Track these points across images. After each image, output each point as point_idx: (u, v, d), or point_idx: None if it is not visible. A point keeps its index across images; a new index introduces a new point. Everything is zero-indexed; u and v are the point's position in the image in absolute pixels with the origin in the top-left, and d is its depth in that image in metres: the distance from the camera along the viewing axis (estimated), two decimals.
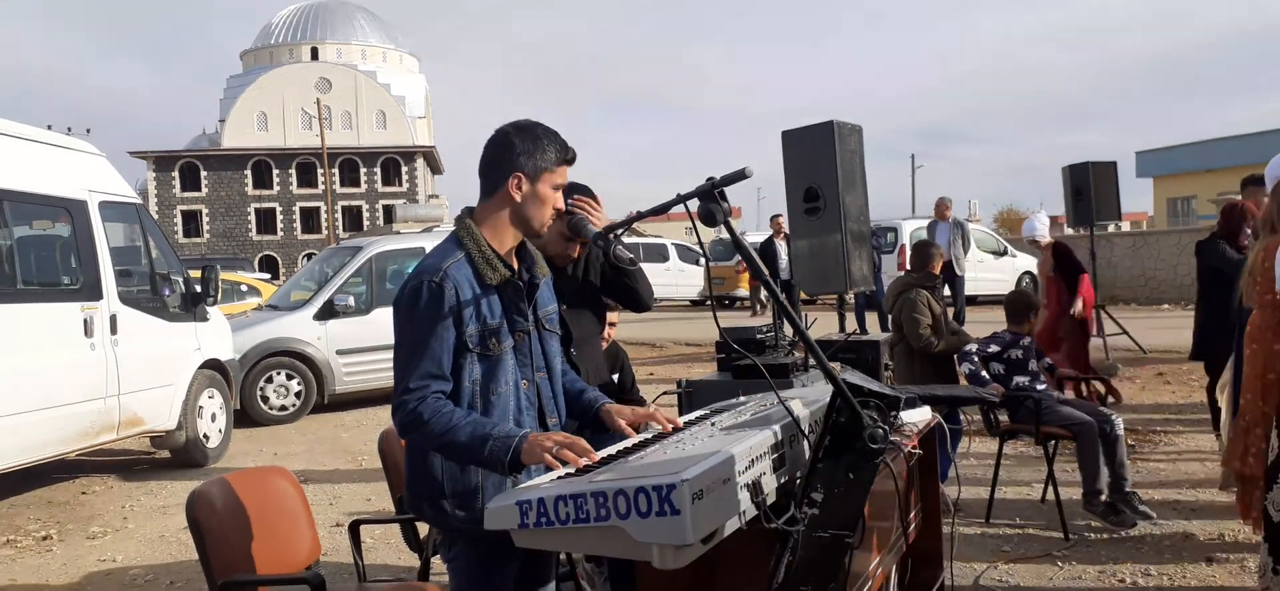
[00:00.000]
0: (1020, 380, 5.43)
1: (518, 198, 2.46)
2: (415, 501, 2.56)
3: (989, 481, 5.59)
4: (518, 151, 2.45)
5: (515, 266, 2.52)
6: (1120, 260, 20.59)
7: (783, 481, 2.19)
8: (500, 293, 2.47)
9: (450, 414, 2.34)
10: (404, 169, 63.17)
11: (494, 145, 2.49)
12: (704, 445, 2.11)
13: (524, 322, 2.50)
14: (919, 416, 3.29)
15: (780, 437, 2.21)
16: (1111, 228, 22.21)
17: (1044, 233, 7.94)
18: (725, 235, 2.24)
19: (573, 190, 3.20)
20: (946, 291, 8.70)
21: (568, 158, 2.51)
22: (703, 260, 4.91)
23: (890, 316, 6.19)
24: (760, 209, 71.13)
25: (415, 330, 2.38)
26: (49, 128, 7.60)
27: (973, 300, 14.96)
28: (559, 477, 2.11)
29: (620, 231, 2.65)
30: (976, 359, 5.45)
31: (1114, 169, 11.49)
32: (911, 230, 17.78)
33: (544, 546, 2.02)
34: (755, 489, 2.04)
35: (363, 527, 3.65)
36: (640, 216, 2.63)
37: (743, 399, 2.78)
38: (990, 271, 19.49)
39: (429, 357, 2.35)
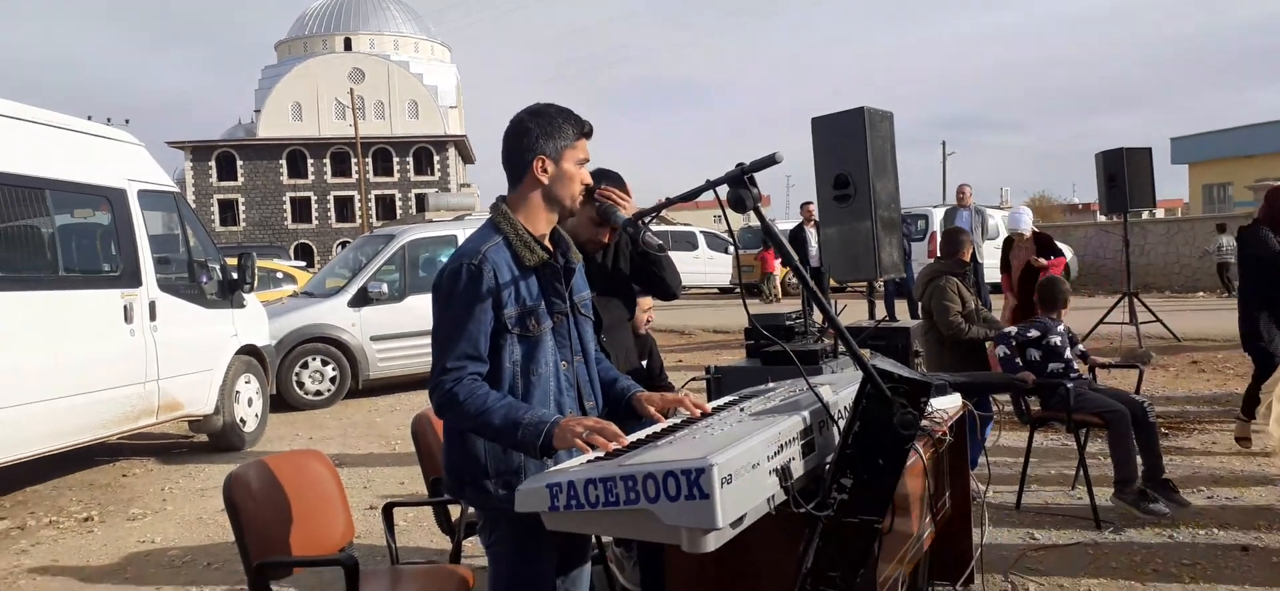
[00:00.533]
0: (1054, 367, 5.39)
1: (545, 179, 2.50)
2: (456, 483, 2.57)
3: (1019, 469, 5.56)
4: (536, 135, 2.49)
5: (551, 249, 2.55)
6: (1154, 247, 20.33)
7: (812, 467, 2.20)
8: (538, 275, 2.51)
9: (485, 396, 2.37)
10: (436, 158, 63.50)
11: (512, 135, 2.53)
12: (733, 430, 2.13)
13: (562, 304, 2.54)
14: (949, 403, 3.28)
15: (809, 423, 2.22)
16: (1145, 215, 21.93)
17: (1027, 227, 8.72)
18: (755, 223, 2.25)
19: (602, 177, 3.22)
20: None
21: (585, 130, 2.54)
22: (732, 248, 4.92)
23: (920, 304, 6.17)
24: (789, 197, 70.84)
25: (453, 312, 2.42)
26: (89, 118, 7.74)
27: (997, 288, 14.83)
28: (589, 461, 2.13)
29: (649, 218, 2.66)
30: (1014, 343, 5.41)
31: (1149, 155, 11.34)
32: (940, 217, 17.63)
33: (574, 529, 2.05)
34: (784, 474, 2.06)
35: (396, 510, 3.71)
36: (669, 203, 2.64)
37: (771, 385, 2.79)
38: None
39: (466, 339, 2.39)
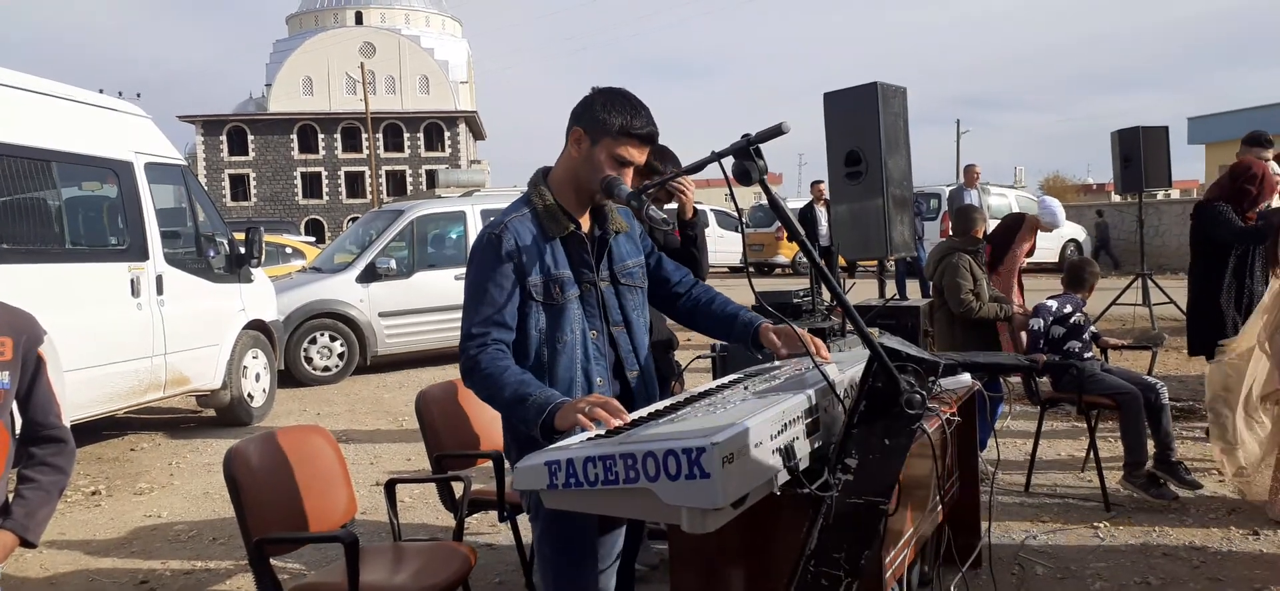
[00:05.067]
0: (1074, 345, 5.35)
1: (576, 153, 2.51)
2: (508, 444, 2.59)
3: (1029, 450, 5.51)
4: (589, 108, 2.49)
5: (582, 220, 2.56)
6: (1169, 228, 20.16)
7: (817, 446, 2.15)
8: (565, 244, 2.52)
9: (503, 369, 2.39)
10: (447, 134, 63.41)
11: (579, 102, 2.54)
12: (736, 409, 2.08)
13: (590, 274, 2.54)
14: (958, 383, 3.24)
15: (815, 402, 2.18)
16: (1161, 195, 21.75)
17: (1063, 220, 8.24)
18: (764, 200, 2.20)
19: (655, 153, 3.25)
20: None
21: (633, 131, 2.47)
22: (742, 227, 4.92)
23: (931, 282, 6.11)
24: (801, 175, 70.65)
25: (475, 277, 2.47)
26: (101, 91, 7.71)
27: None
28: (590, 438, 2.09)
29: (651, 191, 2.62)
30: (1052, 315, 5.38)
31: (1165, 134, 11.20)
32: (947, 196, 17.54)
33: (573, 508, 2.01)
34: (788, 453, 2.01)
35: (401, 487, 3.69)
36: (673, 176, 2.60)
37: (776, 363, 2.74)
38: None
39: (488, 303, 2.43)
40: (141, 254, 7.09)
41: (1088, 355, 5.41)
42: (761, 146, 2.13)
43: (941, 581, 3.61)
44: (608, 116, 2.46)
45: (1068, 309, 5.42)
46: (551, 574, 2.55)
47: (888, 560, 2.61)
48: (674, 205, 3.92)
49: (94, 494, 6.23)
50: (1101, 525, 4.77)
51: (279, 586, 2.89)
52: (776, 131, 2.12)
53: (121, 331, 6.78)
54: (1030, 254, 8.60)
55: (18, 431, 2.28)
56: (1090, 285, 5.54)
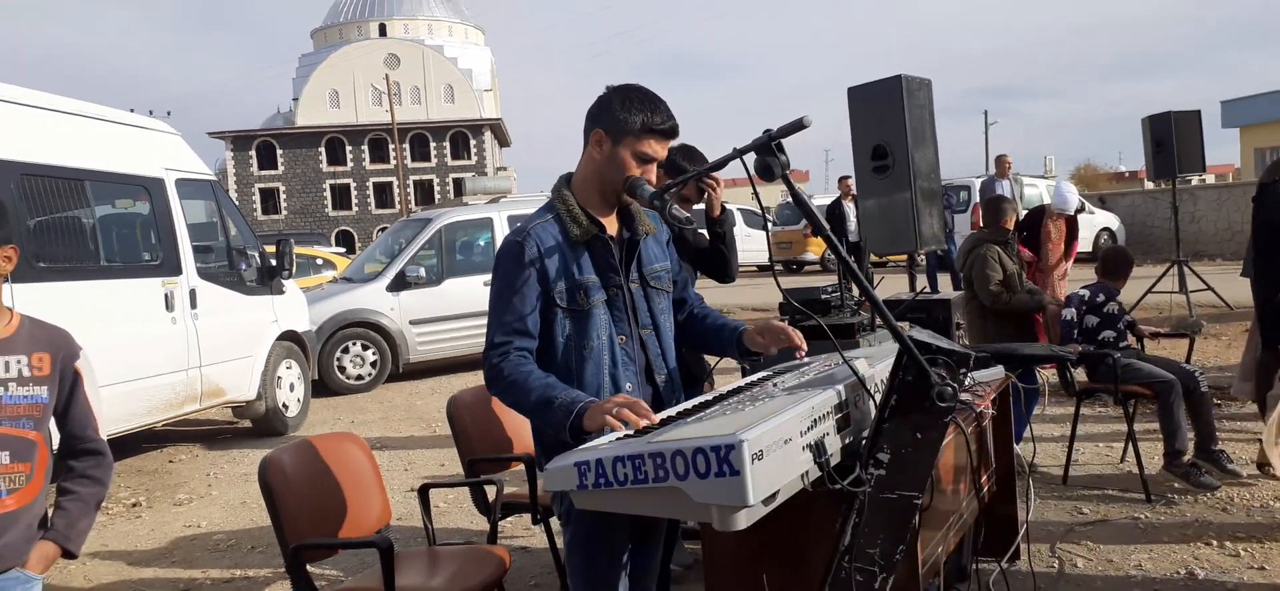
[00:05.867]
0: (1109, 334, 5.28)
1: (598, 155, 2.50)
2: (538, 446, 2.59)
3: (1066, 442, 5.45)
4: (607, 108, 2.48)
5: (605, 224, 2.54)
6: (1204, 214, 19.86)
7: (847, 442, 2.14)
8: (590, 249, 2.50)
9: (527, 374, 2.39)
10: (472, 142, 63.72)
11: (594, 102, 2.52)
12: (765, 405, 2.07)
13: (617, 277, 2.53)
14: (992, 375, 3.21)
15: (845, 397, 2.16)
16: (1195, 180, 21.43)
17: (1074, 206, 8.66)
18: (790, 198, 2.19)
19: (679, 152, 3.27)
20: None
21: (654, 127, 2.46)
22: (767, 224, 4.92)
23: (962, 274, 6.05)
24: (828, 170, 70.33)
25: (499, 288, 2.47)
26: (131, 110, 7.82)
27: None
28: (619, 438, 2.09)
29: (674, 190, 2.62)
30: (1084, 304, 5.32)
31: (1198, 118, 11.03)
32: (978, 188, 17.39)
33: (603, 507, 2.01)
34: (818, 449, 2.00)
35: (434, 492, 3.71)
36: (697, 174, 2.59)
37: (806, 359, 2.73)
38: None
39: (511, 311, 2.43)
40: (174, 269, 7.18)
41: (1123, 344, 5.34)
42: (783, 141, 2.12)
43: (979, 575, 3.57)
44: (628, 115, 2.44)
45: (1100, 297, 5.36)
46: (584, 581, 2.53)
47: (923, 554, 2.58)
48: (701, 205, 3.92)
49: (135, 505, 6.31)
50: (1142, 515, 4.70)
51: None
52: (798, 126, 2.11)
53: (157, 345, 6.87)
54: (1068, 241, 8.56)
55: (56, 446, 2.32)
56: (1124, 273, 5.47)
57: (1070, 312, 5.34)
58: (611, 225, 2.56)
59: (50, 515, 2.30)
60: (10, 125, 6.02)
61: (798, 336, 2.54)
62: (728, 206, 3.99)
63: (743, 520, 1.80)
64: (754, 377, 2.66)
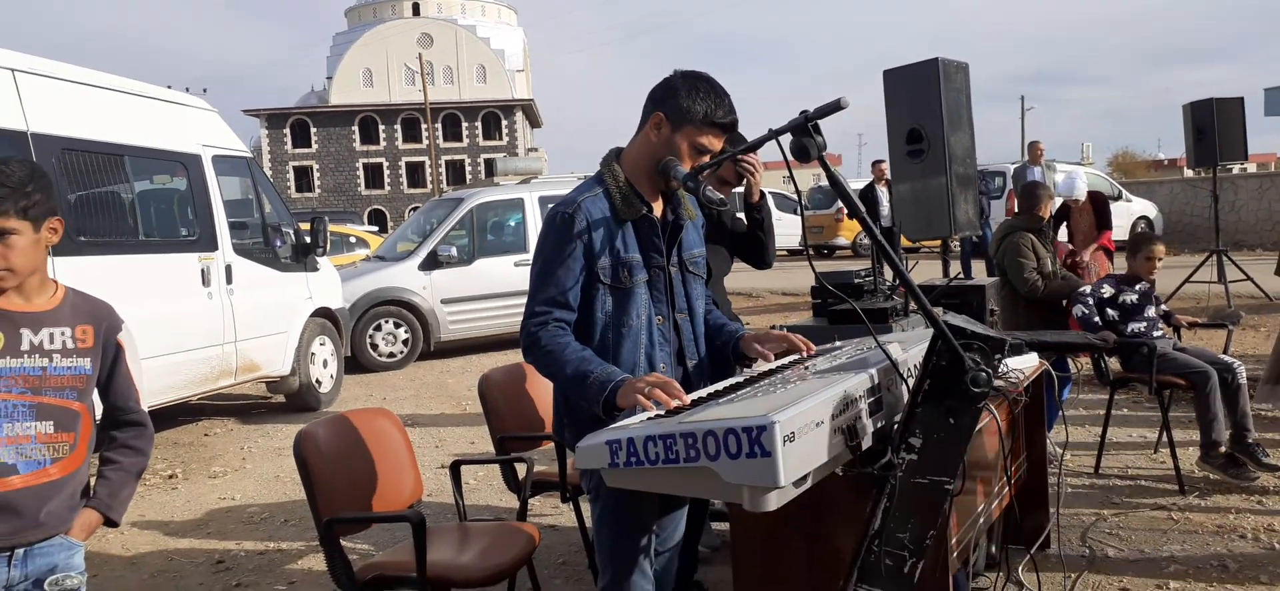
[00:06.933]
0: (1135, 326, 5.20)
1: (654, 137, 2.49)
2: (558, 423, 2.62)
3: (1098, 431, 5.39)
4: (671, 93, 2.47)
5: (653, 204, 2.54)
6: (1245, 203, 19.51)
7: (880, 426, 2.13)
8: (636, 228, 2.51)
9: (565, 346, 2.40)
10: (504, 122, 63.85)
11: (658, 84, 2.52)
12: (798, 388, 2.07)
13: (660, 259, 2.54)
14: (1025, 363, 3.18)
15: (877, 381, 2.16)
16: (1236, 169, 21.07)
17: (1083, 191, 8.54)
18: (824, 182, 2.19)
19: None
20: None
21: (715, 120, 2.46)
22: (801, 208, 4.88)
23: (995, 261, 6.00)
24: (861, 155, 69.79)
25: (545, 257, 2.47)
26: (169, 87, 7.91)
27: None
28: (651, 418, 2.10)
29: (708, 171, 2.62)
30: (1091, 303, 5.23)
31: (1241, 105, 10.84)
32: (1011, 174, 17.20)
33: (634, 486, 2.02)
34: (851, 433, 2.00)
35: (465, 468, 3.74)
36: (730, 155, 2.58)
37: (838, 343, 2.73)
38: None
39: (554, 283, 2.44)
40: (211, 244, 7.27)
41: (1158, 333, 5.27)
42: (820, 123, 2.11)
43: (1009, 562, 3.56)
44: (691, 103, 2.44)
45: (1106, 290, 5.25)
46: (610, 556, 2.55)
47: (953, 540, 2.58)
48: (740, 189, 3.92)
49: (171, 477, 6.42)
50: (1175, 507, 4.66)
51: (349, 565, 2.95)
52: (835, 107, 2.10)
53: (193, 320, 6.97)
54: (1100, 228, 8.47)
55: (98, 416, 2.36)
56: (1146, 257, 5.31)
57: (1080, 310, 5.23)
58: (657, 207, 2.57)
59: (92, 484, 2.34)
60: (51, 100, 6.11)
61: (799, 340, 2.55)
62: (765, 191, 3.97)
63: (773, 501, 1.80)
64: (786, 360, 2.66)
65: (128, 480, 2.37)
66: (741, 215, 4.04)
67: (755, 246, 4.02)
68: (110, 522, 2.33)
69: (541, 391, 4.04)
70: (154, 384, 6.54)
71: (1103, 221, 8.53)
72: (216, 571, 4.62)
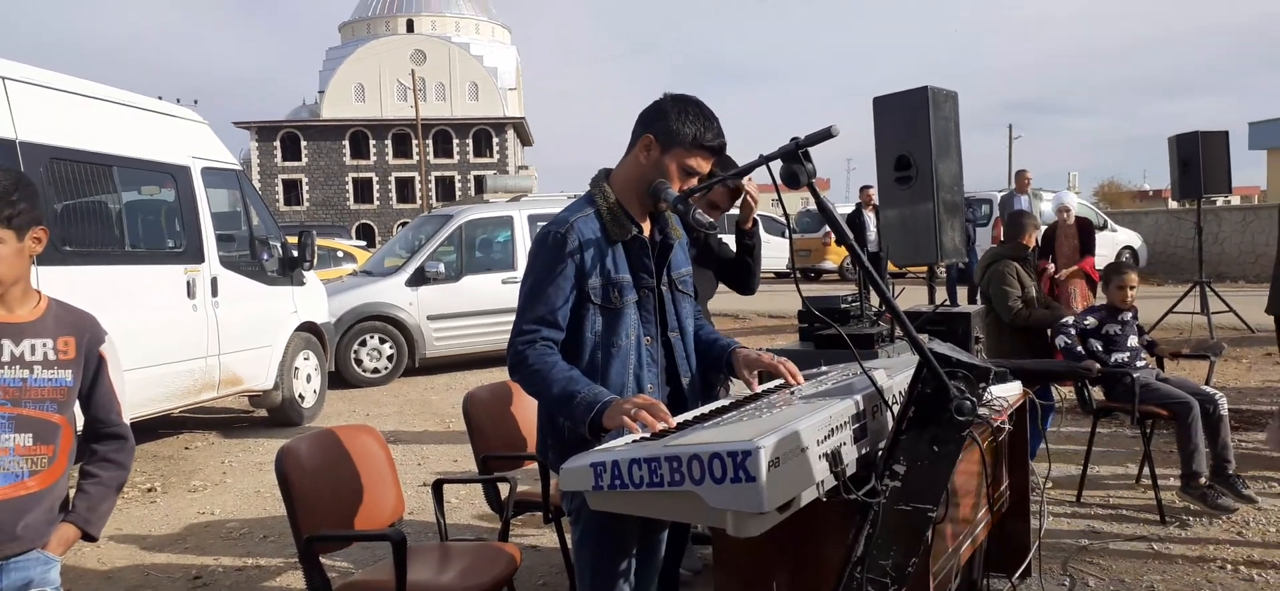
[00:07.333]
0: (1119, 357, 5.23)
1: (644, 159, 2.50)
2: (543, 445, 2.62)
3: (1081, 460, 5.41)
4: (661, 115, 2.48)
5: (644, 225, 2.56)
6: (1228, 235, 19.68)
7: (864, 452, 2.14)
8: (627, 248, 2.52)
9: (552, 365, 2.40)
10: (495, 140, 63.92)
11: (648, 106, 2.53)
12: (783, 413, 2.07)
13: (649, 279, 2.55)
14: (1009, 391, 3.19)
15: (862, 407, 2.16)
16: (1220, 201, 21.26)
17: (1074, 203, 8.93)
18: (812, 206, 2.20)
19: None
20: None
21: (704, 143, 2.48)
22: (788, 231, 4.89)
23: (980, 288, 6.03)
24: (850, 180, 70.10)
25: (535, 275, 2.47)
26: (159, 97, 7.89)
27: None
28: (636, 441, 2.10)
29: (698, 194, 2.63)
30: (1073, 333, 5.25)
31: (1225, 139, 10.96)
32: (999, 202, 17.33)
33: (618, 509, 2.02)
34: (835, 459, 2.00)
35: (447, 487, 3.72)
36: (720, 179, 2.60)
37: (824, 368, 2.73)
38: None
39: (543, 303, 2.43)
40: (197, 256, 7.24)
41: (1141, 363, 5.29)
42: (810, 150, 2.12)
43: (990, 590, 3.56)
44: (681, 126, 2.45)
45: (1089, 321, 5.29)
46: (591, 578, 2.54)
47: (935, 567, 2.58)
48: (734, 210, 3.94)
49: (150, 491, 6.37)
50: (1156, 536, 4.67)
51: (328, 583, 2.93)
52: (825, 135, 2.11)
53: (177, 332, 6.92)
54: (1083, 252, 8.57)
55: (79, 429, 2.34)
56: (1118, 287, 5.33)
57: (1063, 340, 5.26)
58: (646, 227, 2.58)
59: (71, 497, 2.32)
60: (41, 109, 6.08)
61: (788, 368, 2.55)
62: (757, 217, 3.99)
63: (757, 527, 1.80)
64: (771, 385, 2.66)
65: (107, 494, 2.35)
66: (729, 239, 4.05)
67: (742, 272, 4.04)
68: (88, 537, 2.31)
69: (526, 411, 4.03)
70: (136, 396, 6.48)
71: (1086, 247, 8.62)
72: (193, 587, 4.58)
